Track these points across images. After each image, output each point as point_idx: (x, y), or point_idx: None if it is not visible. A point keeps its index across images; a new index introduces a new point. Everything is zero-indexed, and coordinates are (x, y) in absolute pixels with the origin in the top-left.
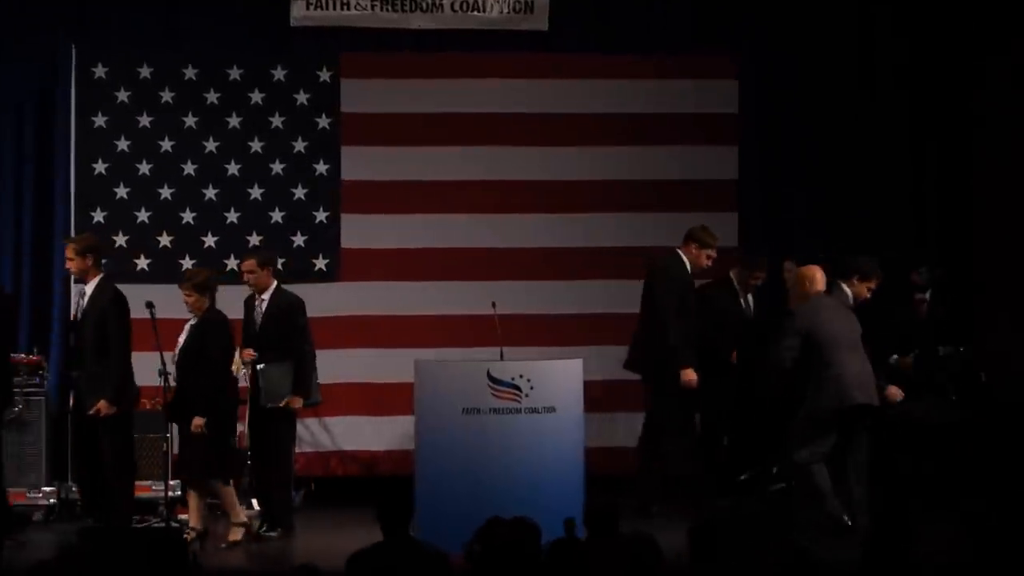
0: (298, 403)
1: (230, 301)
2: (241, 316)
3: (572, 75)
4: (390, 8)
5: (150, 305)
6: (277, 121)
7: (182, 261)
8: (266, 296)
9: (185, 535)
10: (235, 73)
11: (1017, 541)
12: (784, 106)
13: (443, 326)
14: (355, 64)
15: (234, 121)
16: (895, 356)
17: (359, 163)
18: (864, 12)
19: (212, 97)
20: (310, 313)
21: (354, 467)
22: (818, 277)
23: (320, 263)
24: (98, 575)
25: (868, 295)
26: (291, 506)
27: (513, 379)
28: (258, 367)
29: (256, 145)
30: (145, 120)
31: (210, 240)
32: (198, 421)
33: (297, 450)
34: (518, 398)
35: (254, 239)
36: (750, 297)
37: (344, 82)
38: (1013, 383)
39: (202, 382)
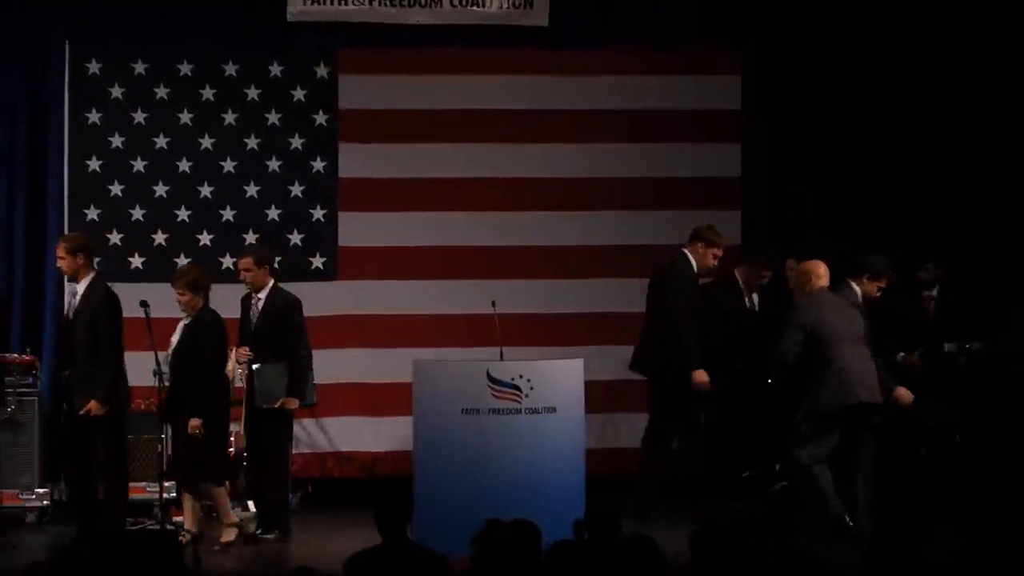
0: (293, 404)
1: (226, 300)
2: (236, 315)
3: (573, 71)
4: (388, 3)
5: (144, 304)
6: (274, 118)
7: (177, 259)
8: (263, 295)
9: (180, 537)
10: (231, 69)
11: (1021, 542)
12: (788, 102)
13: (442, 325)
14: (353, 60)
15: (230, 118)
16: (901, 354)
17: (357, 160)
18: (870, 7)
19: (208, 93)
20: (307, 312)
21: (352, 468)
22: (821, 272)
23: (317, 262)
24: None
25: (878, 294)
26: (288, 508)
27: (513, 379)
28: (253, 367)
29: (252, 142)
30: (139, 117)
31: (205, 238)
32: (194, 422)
33: (294, 451)
34: (518, 398)
35: (250, 237)
36: (755, 296)
37: (342, 78)
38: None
39: (195, 382)
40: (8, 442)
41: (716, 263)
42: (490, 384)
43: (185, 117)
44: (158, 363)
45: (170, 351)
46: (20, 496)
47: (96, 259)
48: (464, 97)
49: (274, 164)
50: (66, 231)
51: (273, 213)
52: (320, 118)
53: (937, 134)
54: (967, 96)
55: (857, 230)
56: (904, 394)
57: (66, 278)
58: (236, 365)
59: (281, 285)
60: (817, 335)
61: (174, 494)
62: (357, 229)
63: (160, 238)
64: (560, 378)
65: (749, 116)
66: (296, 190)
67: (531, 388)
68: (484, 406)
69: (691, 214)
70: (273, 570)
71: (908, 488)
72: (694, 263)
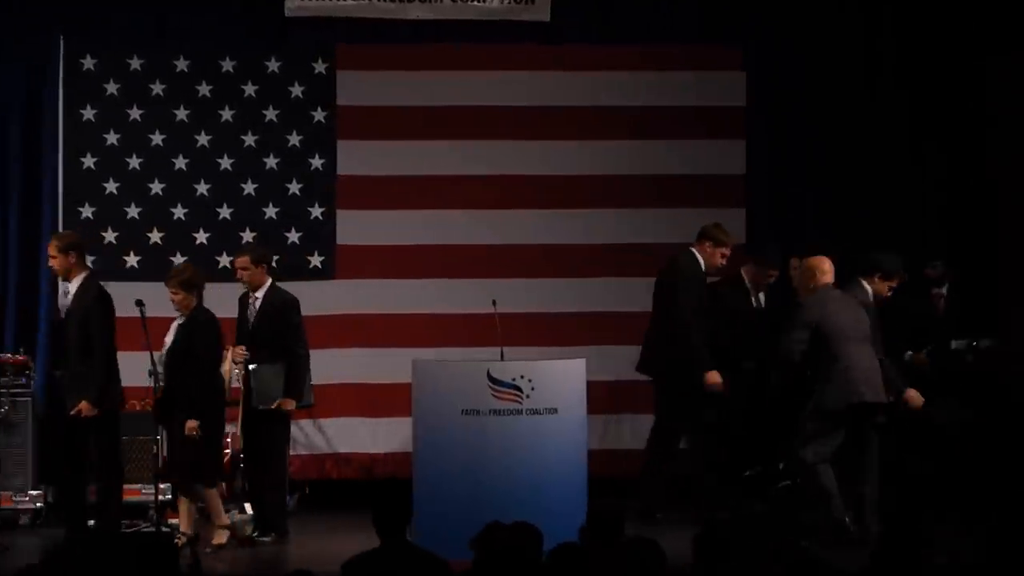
0: (290, 405)
1: (223, 299)
2: (233, 314)
3: (574, 67)
4: None
5: (140, 303)
6: (271, 114)
7: (173, 258)
8: (260, 294)
9: (176, 540)
10: (228, 65)
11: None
12: (793, 98)
13: (442, 325)
14: (351, 56)
15: (227, 114)
16: (909, 352)
17: (355, 157)
18: (872, 4)
19: (204, 90)
20: (305, 311)
21: (350, 470)
22: (826, 267)
23: (315, 260)
24: None
25: (888, 293)
26: (285, 510)
27: (514, 379)
28: (250, 367)
29: (249, 139)
30: (135, 113)
31: (202, 236)
32: (191, 424)
33: (291, 452)
34: (519, 399)
35: (247, 235)
36: (762, 296)
37: (340, 74)
38: None
39: (190, 383)
40: (1, 443)
41: (724, 262)
42: (491, 384)
43: (181, 114)
44: (153, 363)
45: (164, 351)
46: (13, 498)
47: (90, 258)
48: (464, 93)
49: (272, 161)
50: (60, 229)
51: (271, 211)
52: (318, 115)
53: (939, 131)
54: (969, 93)
55: (861, 228)
56: (914, 396)
57: (61, 279)
58: (233, 365)
59: (279, 284)
60: (822, 333)
61: (170, 496)
62: (356, 227)
63: (156, 236)
64: (561, 378)
65: (753, 112)
66: (294, 188)
67: (532, 388)
68: (484, 407)
69: (694, 212)
70: (270, 573)
71: (917, 489)
72: (702, 262)
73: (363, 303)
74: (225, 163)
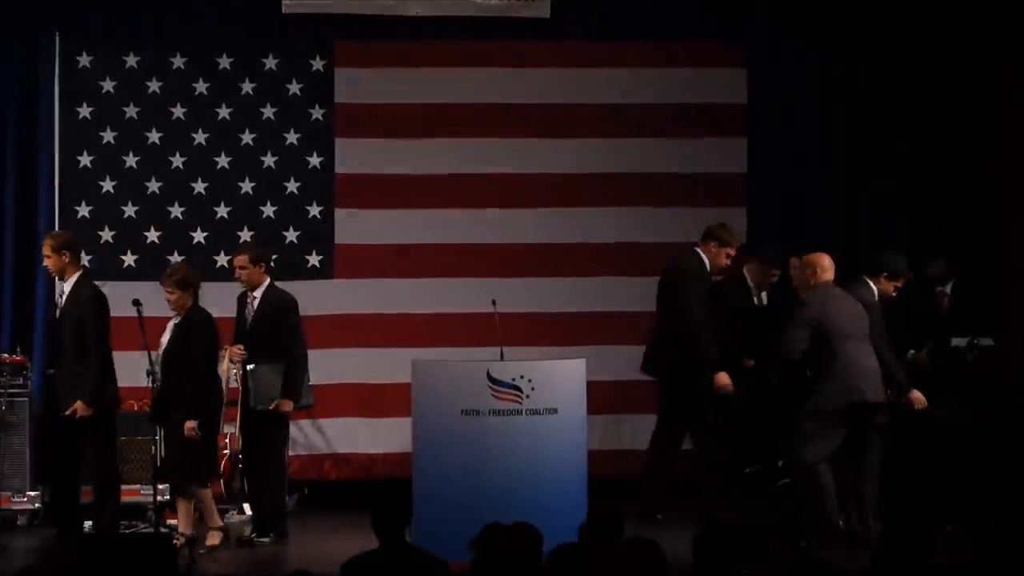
0: (288, 406)
1: (221, 299)
2: (231, 314)
3: (574, 64)
4: None
5: (137, 303)
6: (269, 112)
7: (170, 257)
8: (258, 293)
9: (174, 541)
10: (225, 62)
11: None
12: (794, 96)
13: (441, 325)
14: (350, 53)
15: (224, 112)
16: (911, 351)
17: (354, 156)
18: (874, 2)
19: (201, 87)
20: (303, 311)
21: (349, 470)
22: (826, 264)
23: (313, 259)
24: None
25: (894, 293)
26: (284, 510)
27: (514, 379)
28: (248, 368)
29: (247, 137)
30: (132, 111)
31: (199, 235)
32: (190, 424)
33: (290, 453)
34: (519, 399)
35: (245, 234)
36: (764, 295)
37: (338, 71)
38: None
39: (186, 383)
40: None
41: (729, 262)
42: (490, 384)
43: (178, 111)
44: (151, 363)
45: (160, 351)
46: (11, 499)
47: (87, 257)
48: (463, 91)
49: (269, 160)
50: (57, 228)
51: (269, 210)
52: (316, 112)
53: (940, 131)
54: (975, 89)
55: (861, 227)
56: (918, 398)
57: (58, 278)
58: (230, 364)
59: (277, 283)
60: (823, 330)
61: (168, 497)
62: (354, 226)
63: (153, 235)
64: (562, 378)
65: (754, 110)
66: (292, 186)
67: (532, 388)
68: (484, 407)
69: (695, 211)
70: (269, 573)
71: (918, 489)
72: (707, 262)
73: (362, 303)
74: (223, 161)
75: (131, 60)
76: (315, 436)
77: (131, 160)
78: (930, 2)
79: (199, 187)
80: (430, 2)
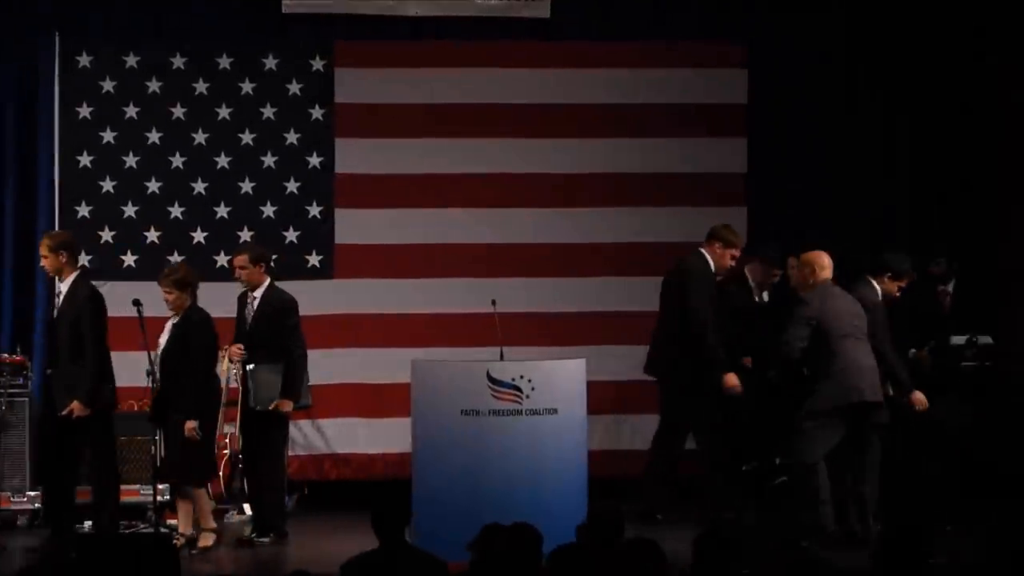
0: (287, 407)
1: (221, 299)
2: (231, 314)
3: (574, 64)
4: None
5: (137, 303)
6: (269, 112)
7: (170, 257)
8: (258, 293)
9: (174, 541)
10: (225, 62)
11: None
12: (795, 96)
13: (441, 325)
14: (350, 53)
15: (224, 112)
16: (913, 350)
17: (354, 156)
18: (874, 1)
19: (201, 87)
20: (303, 311)
21: (349, 470)
22: (824, 263)
23: (313, 259)
24: None
25: (897, 293)
26: (284, 511)
27: (514, 380)
28: (248, 368)
29: (247, 137)
30: (131, 111)
31: (199, 235)
32: (191, 425)
33: (290, 453)
34: (519, 399)
35: (245, 234)
36: (765, 295)
37: (338, 71)
38: None
39: (185, 383)
40: None
41: (733, 263)
42: (490, 385)
43: (178, 111)
44: (151, 363)
45: (158, 351)
46: (11, 499)
47: (87, 257)
48: (463, 91)
49: (269, 159)
50: (57, 228)
51: (268, 210)
52: (316, 112)
53: (940, 131)
54: (976, 88)
55: (861, 227)
56: (920, 400)
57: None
58: (230, 364)
59: (277, 284)
60: (823, 329)
61: (168, 497)
62: (354, 226)
63: (153, 235)
64: (562, 378)
65: (754, 110)
66: (292, 186)
67: (532, 389)
68: (484, 407)
69: (695, 211)
70: (269, 573)
71: (918, 489)
72: (711, 263)
73: (362, 303)
74: (223, 161)
75: (131, 60)
76: (315, 436)
77: (131, 160)
78: (930, 2)
79: (199, 187)
80: (430, 2)
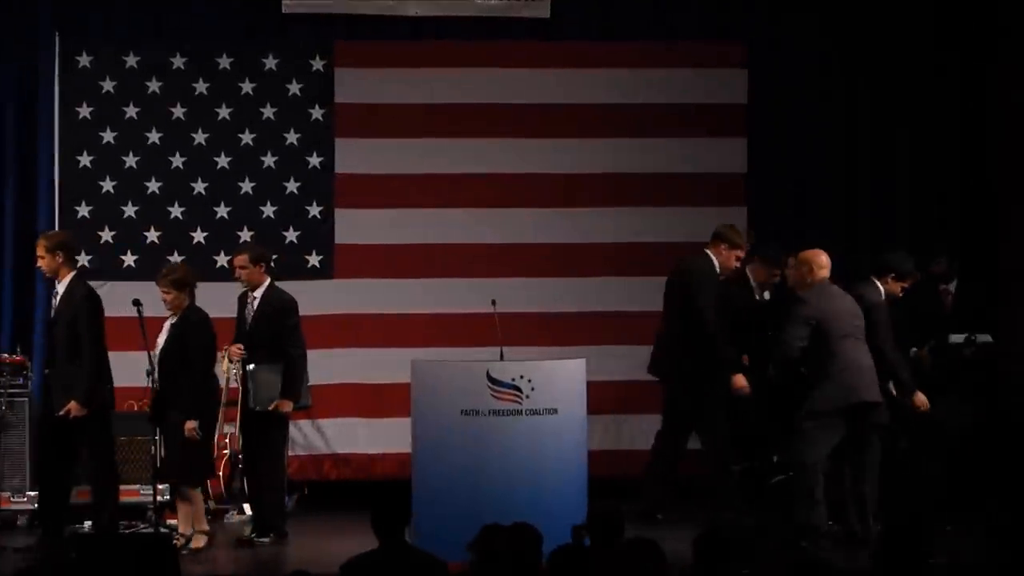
0: (287, 407)
1: (221, 299)
2: (231, 314)
3: (574, 64)
4: None
5: (137, 303)
6: (269, 112)
7: (171, 257)
8: (258, 293)
9: (175, 541)
10: (225, 62)
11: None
12: (794, 96)
13: (441, 325)
14: (350, 53)
15: (224, 112)
16: (914, 349)
17: (354, 155)
18: (875, 1)
19: (201, 87)
20: (303, 311)
21: (349, 470)
22: (822, 261)
23: (313, 259)
24: None
25: (901, 294)
26: (284, 511)
27: (514, 380)
28: (248, 368)
29: (247, 137)
30: (131, 111)
31: (199, 235)
32: (191, 425)
33: (290, 453)
34: (519, 399)
35: (245, 234)
36: (767, 294)
37: (338, 71)
38: None
39: (183, 383)
40: None
41: (738, 264)
42: (490, 385)
43: (178, 111)
44: (151, 363)
45: (157, 351)
46: (11, 499)
47: (87, 257)
48: (463, 91)
49: (269, 160)
50: (57, 228)
51: (268, 210)
52: (316, 112)
53: (940, 130)
54: (976, 88)
55: (861, 227)
56: (921, 401)
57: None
58: (230, 364)
59: (277, 284)
60: (822, 329)
61: (168, 497)
62: (354, 226)
63: (153, 235)
64: (562, 379)
65: (755, 110)
66: (292, 186)
67: (532, 389)
68: (484, 407)
69: (695, 211)
70: (269, 573)
71: (918, 489)
72: (716, 264)
73: (362, 303)
74: (223, 161)
75: (131, 60)
76: (315, 436)
77: (131, 160)
78: (930, 2)
79: (199, 187)
80: (430, 2)
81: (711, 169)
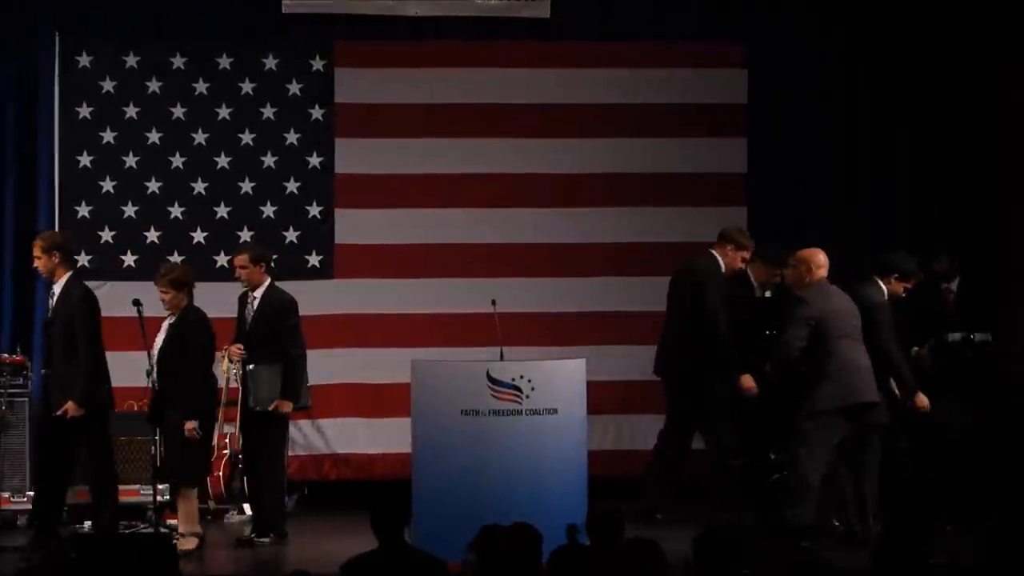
0: (287, 407)
1: (221, 299)
2: (230, 314)
3: (575, 64)
4: None
5: (137, 303)
6: (269, 112)
7: (171, 257)
8: (258, 293)
9: (175, 541)
10: (225, 62)
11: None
12: (794, 96)
13: (441, 325)
14: (350, 53)
15: (224, 112)
16: (915, 348)
17: (354, 155)
18: (875, 1)
19: (201, 87)
20: (303, 311)
21: (349, 471)
22: (820, 260)
23: (313, 259)
24: None
25: (904, 294)
26: (283, 511)
27: (514, 380)
28: (248, 368)
29: (247, 137)
30: (131, 111)
31: (199, 235)
32: (190, 425)
33: (290, 453)
34: (519, 399)
35: (245, 234)
36: (768, 294)
37: (338, 71)
38: None
39: (181, 383)
40: None
41: (744, 266)
42: (490, 385)
43: (178, 111)
44: (151, 363)
45: (155, 351)
46: (11, 499)
47: (86, 257)
48: (463, 91)
49: (269, 160)
50: (57, 228)
51: (268, 210)
52: (316, 112)
53: (940, 130)
54: (972, 91)
55: (861, 227)
56: (923, 403)
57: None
58: (230, 364)
59: (277, 284)
60: (821, 329)
61: (168, 497)
62: (354, 226)
63: (153, 235)
64: (562, 379)
65: (754, 110)
66: (292, 186)
67: (532, 389)
68: (484, 407)
69: (695, 210)
70: (269, 573)
71: (919, 489)
72: (722, 264)
73: (362, 303)
74: (223, 161)
75: (131, 60)
76: (314, 436)
77: (131, 160)
78: (930, 2)
79: (199, 187)
80: (430, 2)
81: (711, 169)
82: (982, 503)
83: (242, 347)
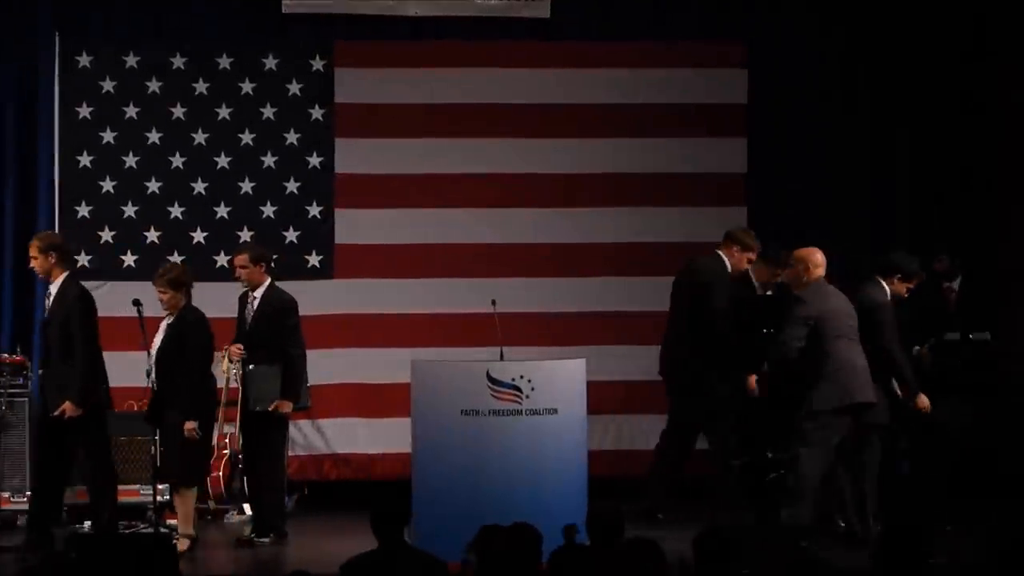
0: (287, 407)
1: (221, 299)
2: (230, 314)
3: (575, 64)
4: None
5: (137, 303)
6: (269, 112)
7: (171, 257)
8: (258, 293)
9: (174, 541)
10: (225, 62)
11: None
12: (795, 96)
13: (441, 325)
14: (350, 53)
15: (224, 112)
16: (916, 348)
17: (354, 155)
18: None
19: (201, 87)
20: (303, 311)
21: (349, 471)
22: (818, 259)
23: (313, 259)
24: None
25: (906, 294)
26: (283, 511)
27: (514, 380)
28: (247, 368)
29: (247, 137)
30: (131, 111)
31: (199, 235)
32: (190, 425)
33: (290, 453)
34: (519, 399)
35: (245, 234)
36: (769, 294)
37: (338, 71)
38: None
39: (180, 383)
40: None
41: (749, 267)
42: (490, 385)
43: (178, 111)
44: (151, 363)
45: (153, 351)
46: (11, 499)
47: (86, 257)
48: (463, 91)
49: (269, 159)
50: (57, 228)
51: (268, 210)
52: (316, 112)
53: (943, 129)
54: (972, 91)
55: (861, 227)
56: (924, 404)
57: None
58: (230, 364)
59: (277, 284)
60: (818, 329)
61: (168, 497)
62: (354, 226)
63: (153, 235)
64: (561, 379)
65: (754, 110)
66: (292, 186)
67: (532, 389)
68: (484, 407)
69: (695, 210)
70: (269, 573)
71: (919, 489)
72: (728, 265)
73: (362, 303)
74: (223, 161)
75: (131, 60)
76: (315, 436)
77: (131, 160)
78: (930, 2)
79: (199, 187)
80: (430, 2)
81: (711, 169)
82: (982, 503)
83: (242, 347)
